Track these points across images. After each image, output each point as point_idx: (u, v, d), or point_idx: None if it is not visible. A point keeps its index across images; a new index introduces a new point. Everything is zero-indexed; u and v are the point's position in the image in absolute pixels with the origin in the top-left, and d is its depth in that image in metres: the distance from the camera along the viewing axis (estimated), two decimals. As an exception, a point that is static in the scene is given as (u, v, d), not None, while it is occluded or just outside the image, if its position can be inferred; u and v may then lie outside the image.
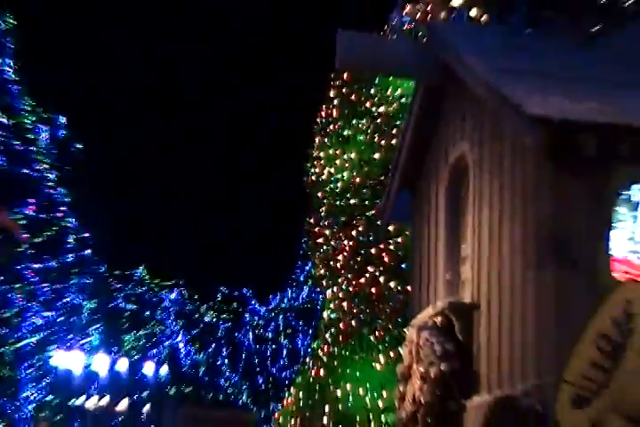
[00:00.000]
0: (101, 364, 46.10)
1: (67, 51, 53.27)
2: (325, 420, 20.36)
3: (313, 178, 22.46)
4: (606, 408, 9.12)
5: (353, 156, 21.81)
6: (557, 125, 11.91)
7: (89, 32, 58.09)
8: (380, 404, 19.64)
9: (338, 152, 22.07)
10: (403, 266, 19.90)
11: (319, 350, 21.85)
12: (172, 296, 53.34)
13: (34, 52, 47.04)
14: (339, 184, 21.80)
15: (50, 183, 47.20)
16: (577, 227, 11.93)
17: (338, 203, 21.83)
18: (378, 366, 20.21)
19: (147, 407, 47.81)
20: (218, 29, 70.12)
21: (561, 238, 11.93)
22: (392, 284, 20.67)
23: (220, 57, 65.76)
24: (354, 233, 21.44)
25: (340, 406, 20.37)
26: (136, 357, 49.50)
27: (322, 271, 22.26)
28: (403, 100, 20.78)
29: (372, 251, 21.18)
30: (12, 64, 46.07)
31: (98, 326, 49.75)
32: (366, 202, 21.28)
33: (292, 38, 60.58)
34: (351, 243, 21.49)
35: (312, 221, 22.45)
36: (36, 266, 46.43)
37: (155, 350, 51.38)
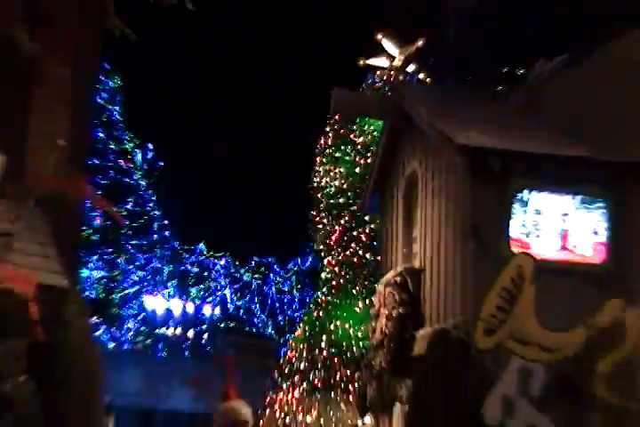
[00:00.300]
0: (176, 306, 46.12)
1: (154, 96, 53.25)
2: (323, 344, 20.35)
3: (315, 185, 22.36)
4: (505, 336, 9.23)
5: (342, 170, 21.72)
6: (474, 151, 12.05)
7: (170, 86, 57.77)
8: (359, 334, 19.66)
9: (332, 168, 21.96)
10: (375, 243, 19.89)
11: (319, 299, 21.82)
12: (222, 262, 53.04)
13: (131, 98, 46.89)
14: (332, 189, 21.72)
15: (142, 188, 47.25)
16: (488, 219, 12.06)
17: (331, 201, 21.73)
18: (358, 310, 20.21)
19: (205, 335, 47.80)
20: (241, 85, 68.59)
21: (478, 226, 12.01)
22: (367, 255, 20.67)
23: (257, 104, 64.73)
24: (342, 221, 21.34)
25: (332, 336, 20.37)
26: (198, 302, 49.35)
27: (321, 246, 22.18)
28: (375, 133, 20.75)
29: (354, 233, 21.16)
30: (118, 110, 46.13)
31: (173, 282, 49.75)
32: (350, 201, 21.21)
33: (295, 93, 59.99)
34: (340, 228, 21.42)
35: (314, 213, 22.36)
36: (133, 242, 46.52)
37: (210, 298, 51.21)
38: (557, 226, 12.21)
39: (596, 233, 12.21)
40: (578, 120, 13.52)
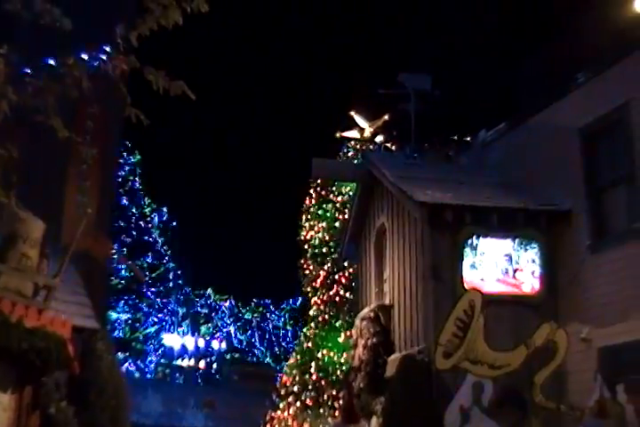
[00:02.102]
0: (189, 342, 45.81)
1: (166, 168, 53.50)
2: (312, 370, 20.21)
3: (302, 238, 22.28)
4: (460, 358, 9.30)
5: (324, 225, 21.68)
6: (431, 206, 12.24)
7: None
8: (342, 360, 19.56)
9: (315, 223, 21.90)
10: (352, 284, 19.81)
11: (308, 332, 21.66)
12: (227, 304, 52.64)
13: (148, 170, 46.87)
14: (316, 240, 21.68)
15: (159, 244, 47.18)
16: (444, 261, 12.12)
17: (316, 251, 21.63)
18: (340, 340, 20.10)
19: (214, 365, 47.36)
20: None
21: (436, 267, 12.13)
22: (347, 294, 20.62)
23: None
24: (325, 267, 21.23)
25: (320, 363, 20.24)
26: (208, 338, 48.89)
27: (308, 288, 21.99)
28: (350, 193, 20.80)
29: (336, 277, 21.06)
30: (138, 180, 46.11)
31: (187, 321, 49.35)
32: (332, 250, 21.12)
33: (284, 164, 60.27)
34: (324, 272, 21.28)
35: (302, 261, 22.22)
36: (152, 289, 46.41)
37: (218, 334, 50.76)
38: (501, 265, 12.30)
39: (531, 269, 12.37)
40: (513, 177, 13.80)
